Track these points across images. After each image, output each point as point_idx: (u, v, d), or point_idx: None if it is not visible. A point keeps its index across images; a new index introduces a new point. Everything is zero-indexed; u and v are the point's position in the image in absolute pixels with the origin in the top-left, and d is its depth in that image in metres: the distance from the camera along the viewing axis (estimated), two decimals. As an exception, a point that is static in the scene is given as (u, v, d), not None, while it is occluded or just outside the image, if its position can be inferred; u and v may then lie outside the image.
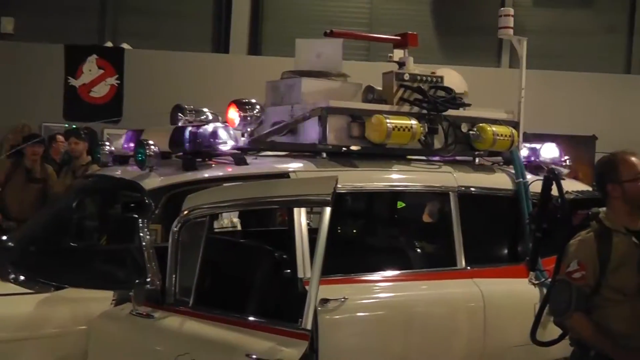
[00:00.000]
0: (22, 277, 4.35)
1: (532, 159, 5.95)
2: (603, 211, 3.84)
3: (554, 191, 4.88)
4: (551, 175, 4.14)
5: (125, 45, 12.72)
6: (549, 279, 4.43)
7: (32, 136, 8.75)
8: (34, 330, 3.93)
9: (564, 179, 4.42)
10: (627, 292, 3.61)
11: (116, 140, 5.67)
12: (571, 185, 5.54)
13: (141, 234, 4.25)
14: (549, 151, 5.98)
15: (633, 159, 3.78)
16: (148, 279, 4.03)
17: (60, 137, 9.93)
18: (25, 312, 3.97)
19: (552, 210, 4.17)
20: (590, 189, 5.49)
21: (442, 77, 5.52)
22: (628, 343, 3.52)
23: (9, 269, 4.46)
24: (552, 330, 4.26)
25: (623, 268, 3.62)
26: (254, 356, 3.33)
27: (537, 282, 4.22)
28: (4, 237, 5.41)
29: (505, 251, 5.63)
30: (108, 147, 5.53)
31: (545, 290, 4.60)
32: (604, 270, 3.61)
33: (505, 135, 5.49)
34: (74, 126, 10.29)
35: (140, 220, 4.30)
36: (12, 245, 5.14)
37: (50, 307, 4.04)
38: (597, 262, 3.62)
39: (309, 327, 3.34)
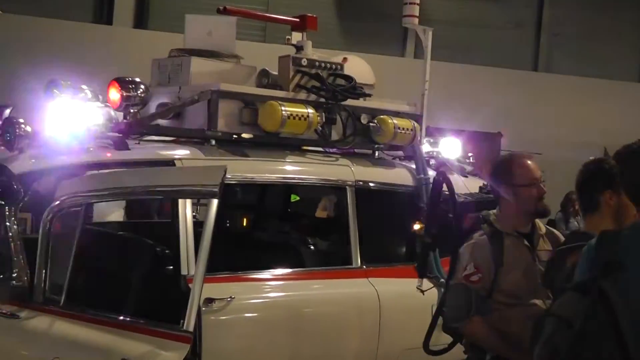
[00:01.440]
0: None
1: (434, 154, 6.09)
2: (493, 213, 3.98)
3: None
4: (440, 176, 4.22)
5: (-7, 10, 12.34)
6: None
7: None
8: None
9: (465, 176, 4.52)
10: (520, 295, 3.75)
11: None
12: (468, 184, 5.70)
13: (7, 224, 4.12)
14: (450, 146, 6.13)
15: (529, 162, 3.92)
16: (14, 274, 3.91)
17: None
18: None
19: (441, 214, 4.24)
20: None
21: (342, 65, 5.56)
22: (522, 345, 3.65)
23: None
24: (443, 338, 4.37)
25: (515, 271, 3.77)
26: (130, 360, 3.31)
27: (424, 290, 4.32)
28: None
29: (404, 250, 5.74)
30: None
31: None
32: (497, 273, 3.74)
33: (407, 129, 5.57)
34: None
35: (6, 207, 4.18)
36: None
37: None
38: (491, 265, 3.75)
39: (190, 328, 3.33)
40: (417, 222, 4.37)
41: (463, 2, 14.14)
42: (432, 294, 4.94)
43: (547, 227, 4.12)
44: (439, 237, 4.20)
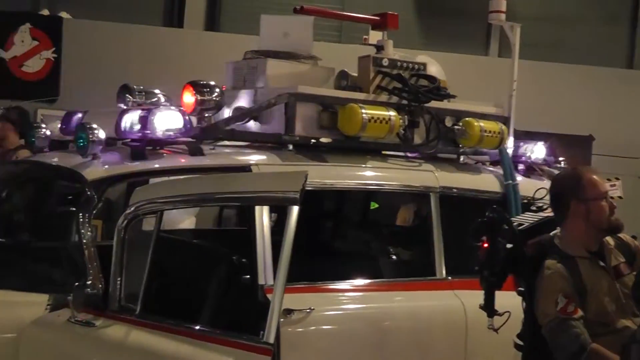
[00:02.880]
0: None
1: (523, 158, 6.01)
2: (557, 235, 3.89)
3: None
4: (495, 215, 4.10)
5: (64, 14, 12.57)
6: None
7: None
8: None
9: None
10: (608, 322, 3.66)
11: (52, 123, 5.63)
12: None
13: (81, 230, 4.20)
14: (540, 149, 6.05)
15: (597, 176, 3.83)
16: (89, 282, 3.98)
17: None
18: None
19: (502, 250, 4.11)
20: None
21: (424, 65, 5.53)
22: None
23: None
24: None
25: (598, 297, 3.68)
26: (211, 372, 3.34)
27: (497, 328, 4.22)
28: None
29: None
30: (44, 130, 5.49)
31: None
32: (582, 301, 3.65)
33: (494, 132, 5.54)
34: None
35: (80, 214, 4.26)
36: None
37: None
38: (575, 293, 3.66)
39: (271, 340, 3.33)
40: (478, 262, 4.27)
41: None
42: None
43: (615, 236, 3.98)
44: (501, 273, 4.09)
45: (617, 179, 5.69)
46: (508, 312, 4.10)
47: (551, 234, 3.95)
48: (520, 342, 3.86)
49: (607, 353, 3.53)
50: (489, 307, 4.19)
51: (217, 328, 3.63)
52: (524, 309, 3.88)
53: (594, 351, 3.54)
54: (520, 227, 4.05)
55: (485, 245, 4.06)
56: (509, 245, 3.98)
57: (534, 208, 4.71)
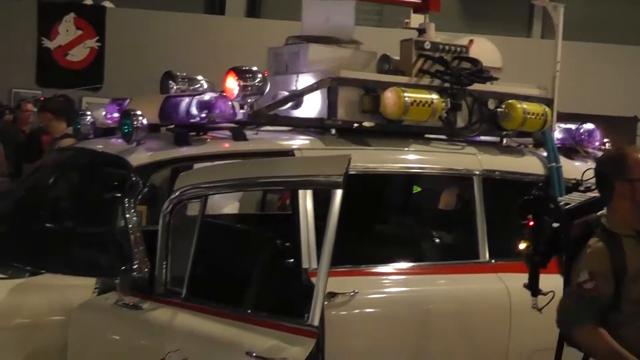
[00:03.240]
0: (-7, 261, 4.37)
1: (568, 141, 5.95)
2: (604, 215, 3.81)
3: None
4: (542, 194, 4.03)
5: (107, 3, 12.67)
6: None
7: None
8: (6, 320, 3.94)
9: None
10: None
11: (96, 110, 5.68)
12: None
13: (127, 215, 4.26)
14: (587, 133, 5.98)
15: None
16: (135, 266, 4.04)
17: (29, 105, 9.87)
18: (-3, 299, 3.99)
19: (547, 228, 4.05)
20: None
21: (467, 47, 5.50)
22: None
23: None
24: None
25: None
26: (255, 354, 3.33)
27: (541, 307, 4.18)
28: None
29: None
30: (89, 118, 5.54)
31: None
32: (620, 281, 3.58)
33: (537, 114, 5.49)
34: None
35: (125, 200, 4.31)
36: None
37: (25, 294, 4.06)
38: (611, 273, 3.58)
39: (316, 323, 3.32)
40: (522, 241, 4.20)
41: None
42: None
43: None
44: (546, 252, 4.04)
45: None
46: (552, 292, 4.07)
47: (598, 214, 3.89)
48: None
49: (601, 337, 3.51)
50: (533, 286, 4.15)
51: (261, 311, 3.63)
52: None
53: (587, 330, 3.54)
54: (567, 207, 3.99)
55: (531, 223, 4.02)
56: (555, 225, 3.93)
57: (582, 189, 4.65)
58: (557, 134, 5.92)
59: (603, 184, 3.84)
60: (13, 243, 4.76)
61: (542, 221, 3.94)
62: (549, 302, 4.08)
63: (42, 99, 9.93)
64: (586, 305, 3.56)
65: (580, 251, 3.75)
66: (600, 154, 5.81)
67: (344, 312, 4.50)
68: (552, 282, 4.06)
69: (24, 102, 10.06)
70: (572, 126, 6.03)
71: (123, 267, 4.05)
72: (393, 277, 4.95)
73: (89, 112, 5.65)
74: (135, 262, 4.07)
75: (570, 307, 3.64)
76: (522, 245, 4.19)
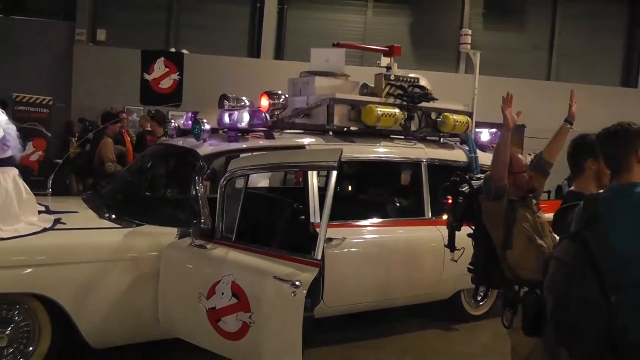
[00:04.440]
0: (113, 216, 4.31)
1: (479, 140, 5.86)
2: None
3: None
4: (458, 179, 3.92)
5: (184, 51, 12.58)
6: None
7: (108, 115, 8.45)
8: (122, 254, 3.90)
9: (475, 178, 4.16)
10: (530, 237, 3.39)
11: (178, 119, 5.63)
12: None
13: (197, 187, 4.21)
14: (485, 135, 5.86)
15: (520, 156, 3.54)
16: (202, 220, 3.99)
17: (123, 115, 9.64)
18: (115, 240, 3.94)
19: (461, 202, 3.92)
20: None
21: (418, 78, 5.43)
22: None
23: (105, 210, 4.44)
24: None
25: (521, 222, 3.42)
26: (279, 278, 3.29)
27: (457, 259, 4.11)
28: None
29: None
30: (173, 124, 5.49)
31: None
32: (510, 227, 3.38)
33: (463, 122, 5.45)
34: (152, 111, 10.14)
35: (196, 177, 4.26)
36: (106, 193, 5.12)
37: (133, 238, 4.01)
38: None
39: (319, 257, 3.30)
40: (445, 213, 4.10)
41: (498, 32, 13.64)
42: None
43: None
44: (460, 220, 3.91)
45: (530, 154, 5.54)
46: (463, 248, 4.00)
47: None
48: (471, 267, 3.72)
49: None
50: (451, 244, 4.07)
51: (283, 250, 3.58)
52: (473, 246, 3.68)
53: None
54: (476, 186, 3.86)
55: (450, 201, 3.93)
56: (466, 190, 3.79)
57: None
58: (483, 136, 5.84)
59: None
60: (125, 205, 4.72)
61: (457, 198, 3.84)
62: (461, 255, 4.06)
63: (153, 112, 9.88)
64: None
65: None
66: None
67: (337, 251, 4.49)
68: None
69: (120, 113, 9.87)
70: (481, 130, 5.93)
71: (195, 221, 4.00)
72: (369, 228, 4.92)
73: (173, 121, 5.59)
74: (203, 217, 4.01)
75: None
76: (444, 217, 4.10)
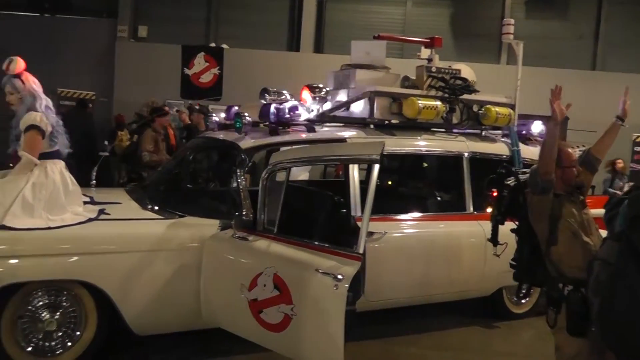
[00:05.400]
0: (156, 207, 4.38)
1: (524, 132, 5.76)
2: None
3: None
4: (504, 171, 3.81)
5: (224, 46, 12.66)
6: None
7: (158, 109, 8.64)
8: (164, 245, 3.96)
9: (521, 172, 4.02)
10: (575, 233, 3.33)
11: (218, 113, 5.67)
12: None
13: (239, 180, 4.23)
14: (537, 127, 5.77)
15: (570, 150, 3.47)
16: (244, 212, 4.02)
17: (166, 108, 9.71)
18: (158, 231, 4.00)
19: (506, 195, 3.81)
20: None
21: (460, 70, 5.35)
22: None
23: (147, 202, 4.51)
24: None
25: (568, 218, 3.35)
26: (321, 270, 3.29)
27: (499, 254, 4.00)
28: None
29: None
30: (214, 117, 5.54)
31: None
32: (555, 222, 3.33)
33: (505, 115, 5.34)
34: (196, 105, 10.23)
35: (238, 170, 4.28)
36: (149, 185, 5.20)
37: (176, 229, 4.06)
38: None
39: (361, 251, 3.27)
40: (489, 206, 3.98)
41: (542, 20, 13.29)
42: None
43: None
44: (504, 213, 3.80)
45: (578, 146, 5.39)
46: (506, 243, 3.87)
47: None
48: (514, 263, 3.64)
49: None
50: (494, 239, 3.96)
51: (325, 243, 3.56)
52: (516, 241, 3.60)
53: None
54: (523, 178, 3.77)
55: (495, 194, 3.84)
56: (512, 182, 3.70)
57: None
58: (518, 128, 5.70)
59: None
60: (168, 196, 4.78)
61: (502, 191, 3.75)
62: (503, 250, 3.91)
63: (197, 106, 9.97)
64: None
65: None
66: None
67: (377, 245, 4.46)
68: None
69: (163, 107, 9.93)
70: (528, 123, 5.82)
71: (237, 213, 4.02)
72: (410, 222, 4.87)
73: (214, 115, 5.64)
74: (244, 210, 4.05)
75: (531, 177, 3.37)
76: (489, 209, 4.00)
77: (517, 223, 3.58)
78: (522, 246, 3.55)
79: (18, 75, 3.98)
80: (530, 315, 5.49)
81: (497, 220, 3.88)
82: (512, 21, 6.41)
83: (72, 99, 12.06)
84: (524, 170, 3.90)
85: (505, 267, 3.75)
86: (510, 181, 3.68)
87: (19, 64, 3.99)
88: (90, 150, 8.35)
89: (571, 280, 3.21)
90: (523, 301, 5.49)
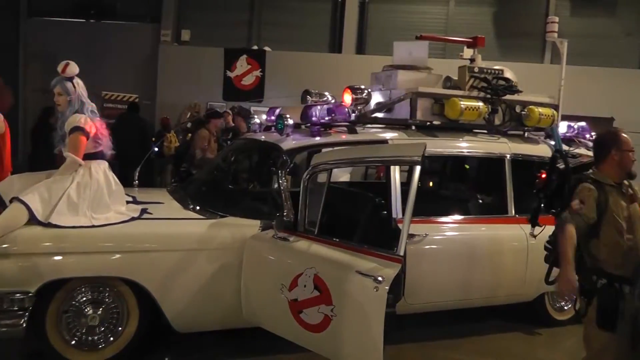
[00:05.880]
0: (197, 207, 4.43)
1: (568, 134, 5.62)
2: (592, 171, 3.45)
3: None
4: (557, 154, 3.70)
5: (266, 48, 12.78)
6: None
7: (214, 112, 8.84)
8: (206, 244, 4.00)
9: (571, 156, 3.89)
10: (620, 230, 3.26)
11: (260, 115, 5.72)
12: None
13: (280, 181, 4.25)
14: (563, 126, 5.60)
15: (627, 136, 3.42)
16: (285, 213, 4.03)
17: (228, 114, 9.89)
18: (199, 231, 4.05)
19: (555, 180, 3.71)
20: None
21: (503, 70, 5.26)
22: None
23: (189, 202, 4.57)
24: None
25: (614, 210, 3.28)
26: (362, 272, 3.27)
27: (536, 234, 3.90)
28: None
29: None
30: (256, 119, 5.58)
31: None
32: (602, 213, 3.26)
33: (548, 115, 5.24)
34: (235, 108, 10.36)
35: (279, 171, 4.30)
36: (191, 186, 5.27)
37: (217, 229, 4.10)
38: (595, 204, 3.25)
39: (401, 253, 3.25)
40: (536, 186, 3.90)
41: (587, 18, 12.96)
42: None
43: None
44: (550, 196, 3.71)
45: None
46: (545, 225, 3.77)
47: (586, 172, 3.53)
48: (549, 246, 3.54)
49: (567, 233, 3.16)
50: (534, 219, 3.82)
51: (366, 244, 3.55)
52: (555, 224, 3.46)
53: (565, 228, 3.18)
54: (571, 165, 3.65)
55: (543, 176, 3.75)
56: (561, 167, 3.60)
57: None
58: (561, 129, 5.58)
59: (601, 151, 3.46)
60: (209, 197, 4.84)
61: (551, 173, 3.66)
62: (540, 232, 3.83)
63: (235, 108, 10.10)
64: (574, 216, 3.24)
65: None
66: (589, 143, 5.45)
67: (418, 247, 4.41)
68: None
69: (225, 112, 10.04)
70: (571, 123, 5.68)
71: (278, 214, 4.04)
72: (451, 225, 4.79)
73: (256, 116, 5.69)
74: (286, 210, 4.06)
75: (561, 219, 3.29)
76: (535, 189, 3.88)
77: (559, 208, 3.48)
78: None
79: (70, 79, 4.10)
80: (572, 322, 5.34)
81: (540, 199, 3.79)
82: (557, 19, 6.29)
83: (116, 102, 12.37)
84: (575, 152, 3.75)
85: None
86: (560, 165, 3.59)
87: (73, 68, 4.12)
88: (145, 151, 8.58)
89: (607, 275, 3.16)
90: (565, 308, 5.37)
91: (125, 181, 4.41)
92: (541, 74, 9.66)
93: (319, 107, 4.62)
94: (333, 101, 4.84)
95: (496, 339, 5.00)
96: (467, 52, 5.58)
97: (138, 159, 5.71)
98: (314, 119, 4.59)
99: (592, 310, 3.16)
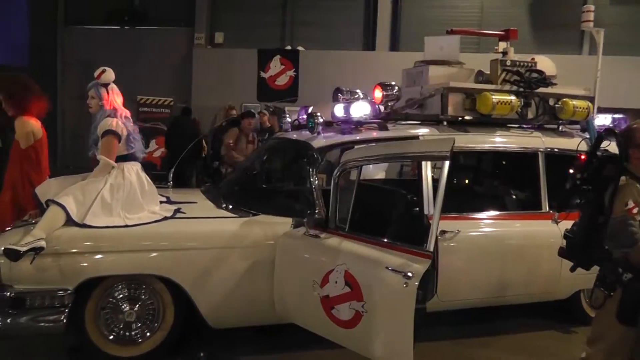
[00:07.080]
0: (230, 206, 4.49)
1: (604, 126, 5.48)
2: (628, 164, 3.34)
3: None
4: (603, 135, 3.58)
5: (300, 48, 12.85)
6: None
7: (247, 112, 8.95)
8: (239, 242, 4.06)
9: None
10: None
11: (293, 114, 5.76)
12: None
13: (312, 179, 4.28)
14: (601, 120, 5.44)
15: None
16: (316, 211, 4.05)
17: (266, 114, 9.98)
18: (233, 229, 4.10)
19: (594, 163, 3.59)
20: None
21: (536, 62, 5.16)
22: None
23: (222, 201, 4.63)
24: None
25: None
26: (392, 268, 3.28)
27: (559, 221, 3.76)
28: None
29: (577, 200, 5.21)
30: (288, 118, 5.62)
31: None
32: None
33: (583, 108, 5.11)
34: (270, 108, 10.44)
35: (311, 169, 4.33)
36: (224, 185, 5.34)
37: (250, 227, 4.15)
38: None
39: (431, 249, 3.24)
40: (574, 168, 3.78)
41: (627, 6, 12.59)
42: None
43: None
44: (586, 179, 3.58)
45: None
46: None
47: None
48: (570, 235, 3.43)
49: None
50: (566, 200, 3.70)
51: (396, 240, 3.54)
52: (580, 215, 3.30)
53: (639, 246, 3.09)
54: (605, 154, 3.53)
55: (583, 157, 3.66)
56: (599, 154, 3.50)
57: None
58: (597, 122, 5.42)
59: (621, 151, 3.36)
60: (242, 196, 4.90)
61: (592, 156, 3.56)
62: (567, 216, 3.71)
63: (271, 108, 10.19)
64: (637, 227, 3.13)
65: (609, 186, 3.25)
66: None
67: (451, 244, 4.38)
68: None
69: (260, 113, 10.16)
70: (608, 116, 5.53)
71: (309, 211, 4.07)
72: (484, 221, 4.73)
73: (287, 116, 5.73)
74: (317, 208, 4.08)
75: (627, 232, 3.15)
76: (572, 170, 3.78)
77: (583, 200, 3.39)
78: (586, 221, 3.35)
79: (105, 85, 4.22)
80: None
81: (575, 183, 3.70)
82: (592, 7, 6.14)
83: (151, 106, 12.61)
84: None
85: (582, 269, 3.58)
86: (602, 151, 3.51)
87: (109, 75, 4.23)
88: (198, 153, 8.95)
89: (634, 269, 3.07)
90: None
91: (182, 182, 4.50)
92: (578, 65, 9.46)
93: (349, 104, 4.61)
94: (365, 99, 4.83)
95: (531, 337, 4.92)
96: (502, 46, 5.49)
97: (192, 161, 5.85)
98: (344, 116, 4.59)
99: (611, 302, 3.08)
